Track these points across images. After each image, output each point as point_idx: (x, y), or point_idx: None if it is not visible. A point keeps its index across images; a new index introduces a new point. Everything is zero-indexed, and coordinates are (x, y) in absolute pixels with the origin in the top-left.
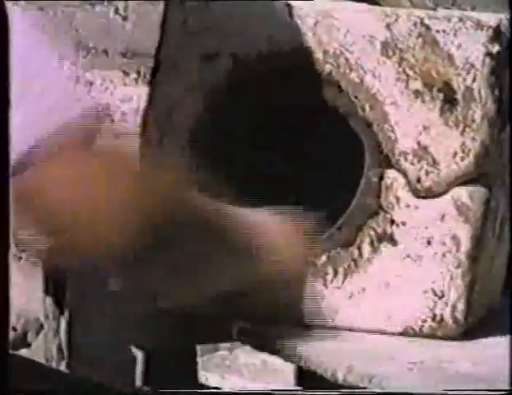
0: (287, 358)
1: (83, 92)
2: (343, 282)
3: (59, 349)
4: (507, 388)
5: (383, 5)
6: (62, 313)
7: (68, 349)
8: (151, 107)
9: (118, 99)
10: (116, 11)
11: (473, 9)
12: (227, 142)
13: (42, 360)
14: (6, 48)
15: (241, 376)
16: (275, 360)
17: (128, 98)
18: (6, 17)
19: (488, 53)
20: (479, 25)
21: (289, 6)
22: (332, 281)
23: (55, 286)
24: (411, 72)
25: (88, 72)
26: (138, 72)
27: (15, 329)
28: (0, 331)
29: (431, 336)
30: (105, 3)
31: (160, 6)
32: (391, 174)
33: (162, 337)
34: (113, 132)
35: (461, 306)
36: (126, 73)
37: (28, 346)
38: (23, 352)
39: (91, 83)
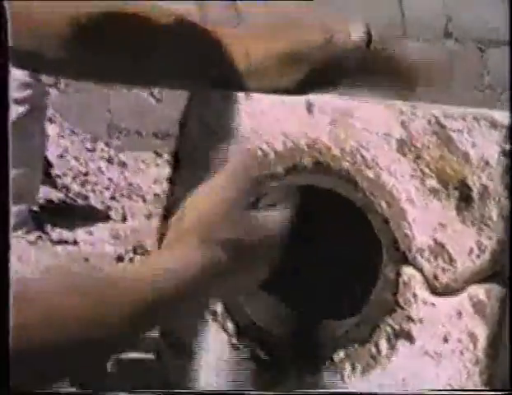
0: None
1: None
2: (361, 378)
3: None
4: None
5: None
6: None
7: None
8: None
9: (150, 180)
10: (151, 93)
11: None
12: None
13: None
14: (5, 48)
15: None
16: None
17: (161, 179)
18: (6, 17)
19: (503, 152)
20: (493, 125)
21: (309, 105)
22: (349, 376)
23: None
24: (426, 170)
25: (122, 152)
26: (171, 153)
27: None
28: (0, 331)
29: None
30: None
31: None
32: (408, 270)
33: None
34: (145, 212)
35: None
36: (158, 154)
37: None
38: None
39: (124, 164)
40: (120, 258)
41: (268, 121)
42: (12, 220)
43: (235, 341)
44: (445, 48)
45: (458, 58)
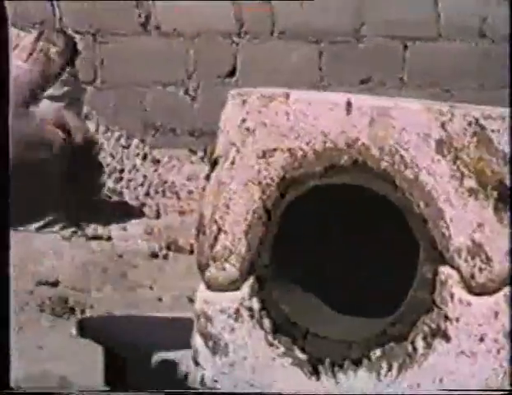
0: None
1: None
2: (397, 377)
3: None
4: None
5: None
6: None
7: None
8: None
9: (184, 177)
10: (186, 91)
11: None
12: (284, 235)
13: None
14: (5, 47)
15: None
16: None
17: (195, 176)
18: (5, 17)
19: None
20: None
21: (348, 104)
22: (386, 374)
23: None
24: (465, 170)
25: (156, 149)
26: (205, 151)
27: None
28: (0, 331)
29: None
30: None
31: (227, 88)
32: (445, 270)
33: None
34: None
35: None
36: (193, 152)
37: None
38: None
39: (158, 160)
40: (154, 255)
41: (308, 120)
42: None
43: (271, 338)
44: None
45: (491, 58)
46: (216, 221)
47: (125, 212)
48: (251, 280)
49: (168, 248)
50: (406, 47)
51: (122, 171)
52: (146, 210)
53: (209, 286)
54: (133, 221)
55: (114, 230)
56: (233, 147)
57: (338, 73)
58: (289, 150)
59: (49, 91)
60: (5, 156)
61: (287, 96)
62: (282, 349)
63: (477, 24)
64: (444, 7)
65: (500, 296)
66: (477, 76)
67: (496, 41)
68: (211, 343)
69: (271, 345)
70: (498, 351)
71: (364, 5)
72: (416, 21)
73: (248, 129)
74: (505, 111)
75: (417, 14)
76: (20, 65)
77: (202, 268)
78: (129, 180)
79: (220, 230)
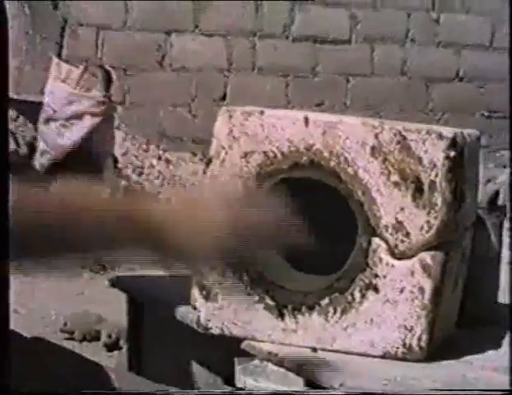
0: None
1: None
2: (340, 318)
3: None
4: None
5: None
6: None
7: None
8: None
9: (188, 173)
10: (189, 111)
11: None
12: None
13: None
14: (5, 46)
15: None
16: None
17: (196, 172)
18: (5, 17)
19: (447, 157)
20: (441, 137)
21: (306, 119)
22: (332, 317)
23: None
24: (391, 169)
25: (167, 152)
26: (203, 154)
27: (110, 336)
28: (0, 331)
29: (403, 359)
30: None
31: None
32: (376, 241)
33: None
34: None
35: (424, 337)
36: (194, 154)
37: (120, 349)
38: (115, 354)
39: (169, 160)
40: None
41: (277, 131)
42: None
43: (249, 289)
44: (401, 83)
45: (409, 90)
46: None
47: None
48: None
49: None
50: (348, 81)
51: (142, 168)
52: (160, 197)
53: None
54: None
55: None
56: (223, 150)
57: (300, 99)
58: (264, 152)
59: (91, 109)
60: (4, 157)
61: (262, 113)
62: (257, 297)
63: (399, 65)
64: (377, 53)
65: (416, 260)
66: (399, 102)
67: (413, 78)
68: (204, 292)
69: (249, 294)
70: (413, 300)
71: (319, 51)
72: (357, 62)
73: (233, 137)
74: (421, 126)
75: (356, 58)
76: (71, 91)
77: None
78: (148, 174)
79: None
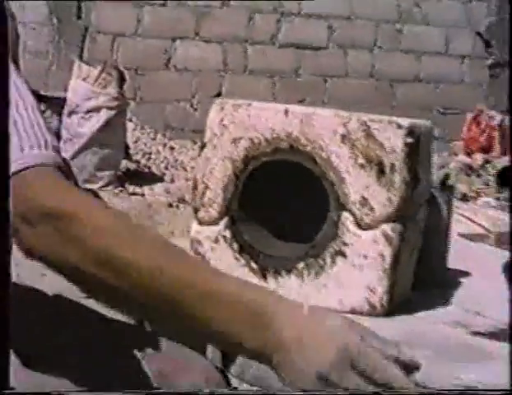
0: None
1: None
2: (314, 280)
3: None
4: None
5: None
6: None
7: None
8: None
9: (189, 158)
10: (191, 105)
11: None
12: (245, 191)
13: None
14: (5, 46)
15: None
16: None
17: (195, 157)
18: (5, 17)
19: (405, 144)
20: (399, 126)
21: (286, 110)
22: (307, 278)
23: None
24: (358, 153)
25: (172, 140)
26: (202, 142)
27: None
28: (0, 331)
29: (367, 315)
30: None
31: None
32: (345, 214)
33: None
34: (185, 177)
35: (385, 297)
36: (195, 142)
37: None
38: None
39: (173, 148)
40: (170, 205)
41: (261, 120)
42: (104, 181)
43: (237, 255)
44: (370, 85)
45: (377, 91)
46: (204, 182)
47: (152, 179)
48: (225, 219)
49: (179, 201)
50: (326, 81)
51: (150, 154)
52: (165, 178)
53: (199, 223)
54: (158, 184)
55: (146, 189)
56: (215, 136)
57: (284, 96)
58: (250, 138)
59: (107, 104)
60: (4, 155)
61: (249, 105)
62: (243, 262)
63: (368, 68)
64: (350, 58)
65: (378, 231)
66: (368, 99)
67: (380, 79)
68: (200, 258)
69: (236, 259)
70: (376, 265)
71: (301, 56)
72: (333, 65)
73: (224, 125)
74: (383, 117)
75: (332, 62)
76: (90, 88)
77: (195, 211)
78: (155, 159)
79: (206, 187)
